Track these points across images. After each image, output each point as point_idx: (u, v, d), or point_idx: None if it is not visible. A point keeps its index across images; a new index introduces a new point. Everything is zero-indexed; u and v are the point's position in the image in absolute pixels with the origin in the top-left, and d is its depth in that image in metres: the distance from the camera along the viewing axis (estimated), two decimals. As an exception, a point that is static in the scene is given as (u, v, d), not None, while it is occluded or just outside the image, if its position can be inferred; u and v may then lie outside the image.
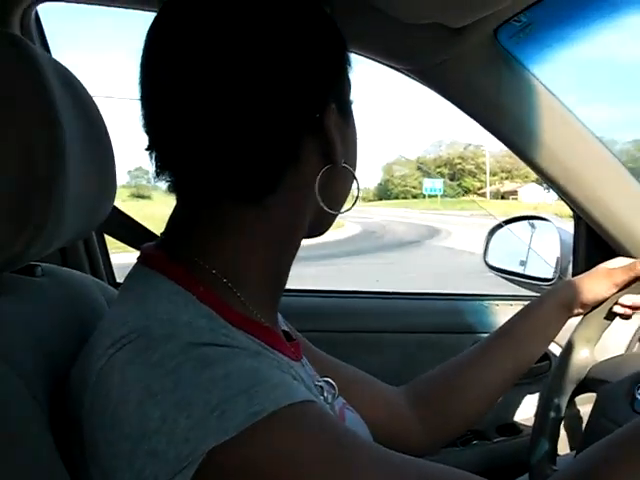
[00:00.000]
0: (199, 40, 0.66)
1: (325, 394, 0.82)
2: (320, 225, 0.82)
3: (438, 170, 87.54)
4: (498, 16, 1.15)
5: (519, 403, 1.67)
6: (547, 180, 1.48)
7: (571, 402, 1.25)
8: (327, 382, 0.86)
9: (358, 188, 0.82)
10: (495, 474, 1.44)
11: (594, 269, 1.21)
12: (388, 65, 1.32)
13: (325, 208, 0.74)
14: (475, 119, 1.41)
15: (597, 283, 1.18)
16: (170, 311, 0.64)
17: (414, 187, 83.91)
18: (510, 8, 1.12)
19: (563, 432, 1.30)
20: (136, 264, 0.74)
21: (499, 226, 1.91)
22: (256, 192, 0.70)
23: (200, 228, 0.72)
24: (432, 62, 1.28)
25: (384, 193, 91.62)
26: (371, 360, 1.56)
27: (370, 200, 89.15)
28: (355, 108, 0.82)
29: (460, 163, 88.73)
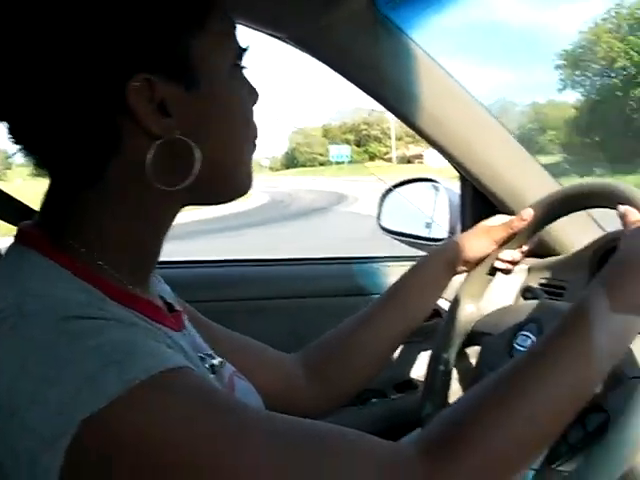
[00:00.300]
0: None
1: (207, 365, 0.83)
2: (197, 196, 0.78)
3: (344, 137, 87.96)
4: (372, -19, 1.17)
5: (415, 360, 1.72)
6: (431, 143, 1.51)
7: (460, 356, 1.30)
8: (211, 353, 0.87)
9: (193, 160, 0.71)
10: (394, 430, 1.49)
11: (475, 227, 1.25)
12: (267, 33, 1.32)
13: (158, 185, 0.69)
14: (357, 85, 1.42)
15: (478, 241, 1.22)
16: (45, 286, 0.64)
17: (321, 154, 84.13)
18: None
19: (458, 386, 1.35)
20: (13, 242, 0.73)
21: (390, 190, 1.95)
22: (89, 174, 0.69)
23: (65, 208, 0.71)
24: (310, 29, 1.29)
25: (291, 162, 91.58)
26: (266, 327, 1.57)
27: (277, 169, 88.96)
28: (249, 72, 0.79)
29: (365, 129, 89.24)
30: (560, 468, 1.02)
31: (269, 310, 1.64)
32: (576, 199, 1.12)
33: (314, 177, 54.98)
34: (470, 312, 1.27)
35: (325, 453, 0.63)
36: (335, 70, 1.39)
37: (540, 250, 1.66)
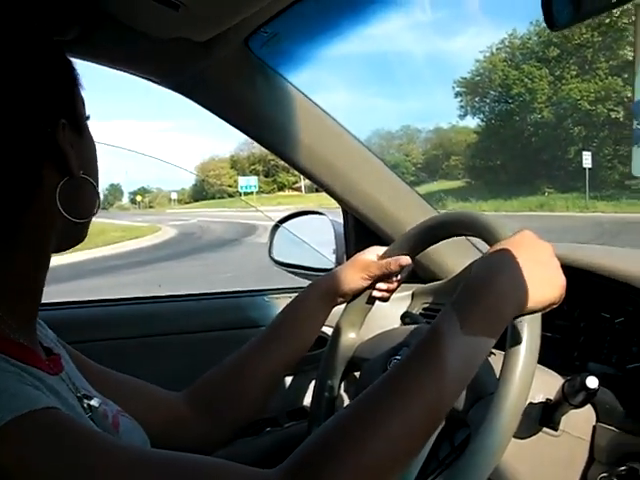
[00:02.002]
0: None
1: (85, 405, 0.84)
2: (71, 237, 0.85)
3: (252, 167, 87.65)
4: (244, 28, 1.21)
5: (307, 388, 1.75)
6: (312, 178, 1.57)
7: (350, 381, 1.35)
8: (88, 393, 0.88)
9: (98, 195, 0.86)
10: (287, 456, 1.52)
11: (351, 260, 1.30)
12: (146, 79, 1.34)
13: (71, 219, 0.78)
14: (237, 128, 1.46)
15: (354, 274, 1.27)
16: None
17: (230, 186, 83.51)
18: (252, 20, 1.17)
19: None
20: None
21: (282, 221, 2.00)
22: (5, 216, 0.73)
23: None
24: (187, 75, 1.32)
25: (200, 194, 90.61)
26: (161, 364, 1.59)
27: (187, 202, 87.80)
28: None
29: (273, 159, 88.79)
30: (435, 483, 1.08)
31: (163, 347, 1.65)
32: (441, 229, 1.18)
33: (223, 209, 54.68)
34: (351, 339, 1.32)
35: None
36: (213, 112, 1.42)
37: (424, 276, 1.73)
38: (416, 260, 1.62)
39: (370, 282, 1.27)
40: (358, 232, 1.75)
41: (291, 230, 1.97)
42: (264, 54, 1.37)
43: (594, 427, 1.17)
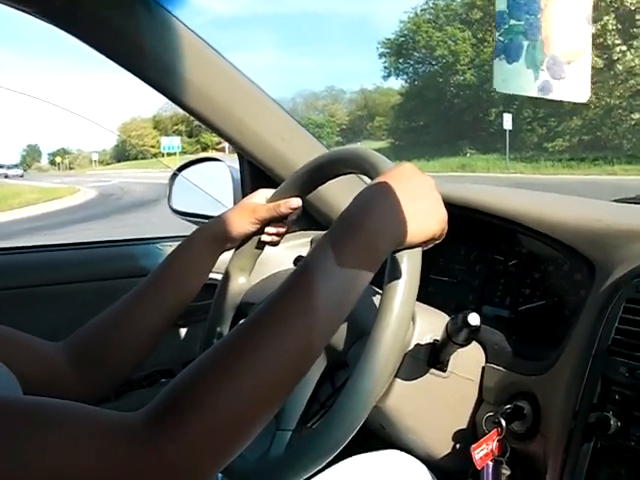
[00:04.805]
0: None
1: None
2: None
3: (175, 128, 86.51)
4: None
5: (202, 339, 1.73)
6: (202, 120, 1.49)
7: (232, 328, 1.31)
8: None
9: None
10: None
11: (239, 204, 1.25)
12: (18, 8, 1.22)
13: None
14: (119, 63, 1.36)
15: (242, 218, 1.21)
16: None
17: (152, 146, 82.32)
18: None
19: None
20: None
21: (180, 169, 1.95)
22: None
23: None
24: (62, 4, 1.22)
25: (122, 154, 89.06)
26: (46, 316, 1.53)
27: (108, 163, 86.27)
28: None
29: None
30: (315, 426, 1.06)
31: (51, 297, 1.58)
32: (327, 168, 1.12)
33: (146, 169, 53.98)
34: (240, 284, 1.27)
35: (44, 425, 0.61)
36: (94, 48, 1.32)
37: (323, 221, 1.70)
38: (311, 205, 1.60)
39: (259, 226, 1.22)
40: (254, 177, 1.70)
41: (190, 178, 1.91)
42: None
43: (483, 368, 1.17)
